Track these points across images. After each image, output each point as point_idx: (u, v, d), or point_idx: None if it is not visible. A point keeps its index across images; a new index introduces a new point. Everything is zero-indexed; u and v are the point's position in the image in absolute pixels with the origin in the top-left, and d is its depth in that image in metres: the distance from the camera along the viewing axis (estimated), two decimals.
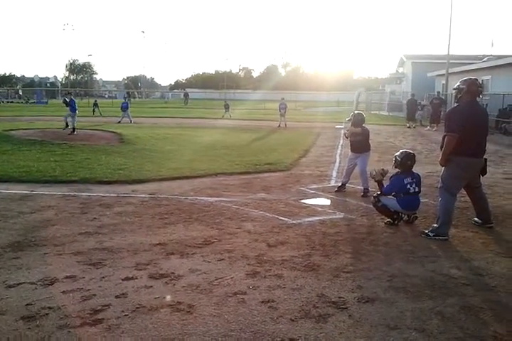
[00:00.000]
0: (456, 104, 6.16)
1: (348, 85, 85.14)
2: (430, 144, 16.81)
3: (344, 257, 5.15)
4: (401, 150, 6.84)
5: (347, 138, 8.82)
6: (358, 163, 8.62)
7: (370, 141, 8.80)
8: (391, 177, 6.74)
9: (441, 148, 5.98)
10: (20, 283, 4.31)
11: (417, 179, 6.57)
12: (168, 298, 4.01)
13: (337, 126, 24.20)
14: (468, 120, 5.81)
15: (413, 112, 27.22)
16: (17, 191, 8.17)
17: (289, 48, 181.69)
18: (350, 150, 8.87)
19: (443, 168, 6.03)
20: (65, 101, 19.74)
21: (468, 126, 5.77)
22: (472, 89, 5.94)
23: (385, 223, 6.49)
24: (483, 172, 6.11)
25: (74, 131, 17.29)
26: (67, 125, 18.27)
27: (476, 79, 6.12)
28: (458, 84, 6.09)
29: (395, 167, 6.71)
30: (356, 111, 8.79)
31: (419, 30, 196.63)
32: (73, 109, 18.31)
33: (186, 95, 66.81)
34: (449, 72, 29.18)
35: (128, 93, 52.08)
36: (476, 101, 6.06)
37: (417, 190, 6.50)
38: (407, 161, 6.59)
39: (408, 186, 6.46)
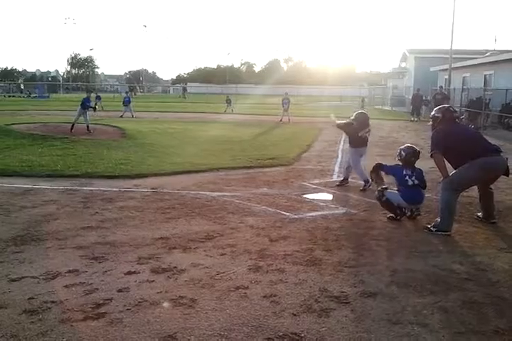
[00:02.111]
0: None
1: (350, 80, 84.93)
2: None
3: (346, 252, 5.15)
4: (407, 145, 6.82)
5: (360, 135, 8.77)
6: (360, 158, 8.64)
7: (370, 136, 8.86)
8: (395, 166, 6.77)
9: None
10: (23, 277, 4.31)
11: (417, 173, 6.54)
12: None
13: (338, 122, 24.11)
14: (452, 135, 6.02)
15: (418, 107, 27.24)
16: (19, 185, 8.18)
17: (291, 43, 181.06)
18: (356, 146, 8.75)
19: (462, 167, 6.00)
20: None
21: (460, 139, 5.99)
22: (447, 116, 6.19)
23: (388, 218, 6.48)
24: (507, 172, 6.04)
25: (73, 126, 16.65)
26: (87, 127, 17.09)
27: (450, 106, 6.46)
28: (433, 113, 6.36)
29: (398, 160, 6.70)
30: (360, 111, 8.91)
31: (422, 25, 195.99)
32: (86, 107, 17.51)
33: (184, 89, 70.87)
34: (452, 66, 29.04)
35: (130, 88, 52.26)
36: (453, 123, 6.27)
37: (416, 182, 6.46)
38: (411, 158, 6.59)
39: (406, 178, 6.44)
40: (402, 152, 6.61)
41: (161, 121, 23.23)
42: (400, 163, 6.67)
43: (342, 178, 8.88)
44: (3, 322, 3.50)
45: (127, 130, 16.70)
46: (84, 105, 17.25)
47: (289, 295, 4.03)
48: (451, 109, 6.38)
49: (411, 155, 6.58)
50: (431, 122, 6.45)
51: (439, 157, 5.96)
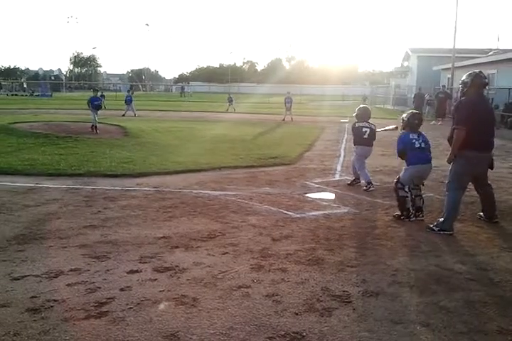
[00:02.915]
0: (462, 98, 6.15)
1: (352, 79, 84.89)
2: (436, 138, 16.71)
3: (348, 251, 5.15)
4: (407, 112, 6.90)
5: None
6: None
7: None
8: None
9: (449, 140, 5.98)
10: (26, 276, 4.32)
11: (424, 138, 6.58)
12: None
13: (342, 120, 24.13)
14: (474, 113, 5.79)
15: (420, 106, 27.25)
16: (22, 184, 8.19)
17: (293, 42, 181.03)
18: (359, 144, 8.71)
19: (452, 163, 6.01)
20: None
21: (475, 120, 5.75)
22: (477, 82, 5.92)
23: (394, 216, 6.47)
24: (491, 166, 6.09)
25: (96, 128, 16.12)
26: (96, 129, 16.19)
27: (481, 72, 6.05)
28: (463, 78, 6.08)
29: (403, 128, 6.76)
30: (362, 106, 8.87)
31: (424, 24, 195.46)
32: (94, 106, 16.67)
33: (182, 88, 74.14)
34: (455, 66, 29.00)
35: (131, 86, 52.49)
36: (482, 94, 6.03)
37: (423, 145, 6.49)
38: (414, 121, 6.64)
39: (414, 141, 6.48)
40: (404, 118, 6.70)
41: (164, 120, 23.24)
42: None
43: (353, 178, 8.79)
44: (5, 320, 3.51)
45: (130, 129, 16.71)
46: (93, 104, 16.74)
47: (291, 294, 4.03)
48: (481, 74, 6.03)
49: (413, 119, 6.63)
50: (460, 87, 6.19)
51: (461, 134, 5.75)
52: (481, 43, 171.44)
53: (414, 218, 6.44)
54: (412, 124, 6.62)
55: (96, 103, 16.82)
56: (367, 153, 8.65)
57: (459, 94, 6.29)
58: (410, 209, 6.41)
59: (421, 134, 6.60)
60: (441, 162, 10.56)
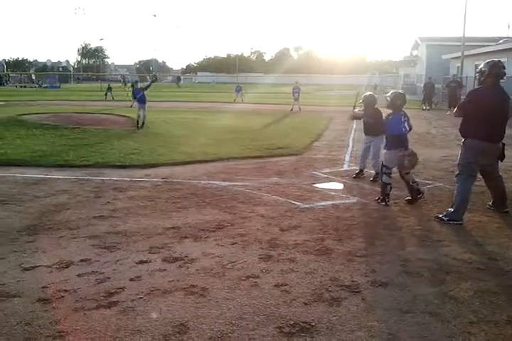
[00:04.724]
0: (478, 86, 6.11)
1: (361, 68, 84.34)
2: (445, 128, 16.62)
3: (357, 241, 5.14)
4: (391, 91, 7.02)
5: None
6: (371, 147, 8.44)
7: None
8: (387, 117, 6.81)
9: (460, 130, 6.00)
10: (36, 266, 4.36)
11: (407, 118, 6.70)
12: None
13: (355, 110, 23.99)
14: (484, 103, 5.72)
15: (430, 95, 27.08)
16: (31, 175, 8.24)
17: (301, 31, 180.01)
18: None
19: (459, 153, 5.97)
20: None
21: (484, 109, 5.68)
22: (494, 71, 5.80)
23: (376, 200, 6.75)
24: (502, 157, 6.02)
25: (138, 123, 14.98)
26: (138, 123, 14.94)
27: (499, 61, 5.91)
28: (481, 66, 5.95)
29: (387, 107, 6.83)
30: (368, 93, 8.79)
31: (434, 12, 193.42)
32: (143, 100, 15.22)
33: (178, 79, 79.56)
34: (465, 54, 28.66)
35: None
36: (497, 84, 5.91)
37: (407, 130, 6.65)
38: (396, 101, 6.67)
39: (403, 125, 6.59)
40: (388, 98, 6.73)
41: (171, 111, 23.21)
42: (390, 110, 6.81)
43: (357, 171, 8.69)
44: (17, 310, 3.55)
45: None
46: (137, 98, 15.38)
47: (299, 284, 4.04)
48: (500, 64, 5.88)
49: (396, 99, 6.68)
50: (477, 76, 6.12)
51: (456, 114, 6.05)
52: (491, 31, 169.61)
53: (389, 203, 6.61)
54: (395, 105, 6.67)
55: (138, 96, 15.28)
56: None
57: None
58: (389, 194, 6.63)
59: (406, 114, 6.70)
60: (451, 152, 10.53)
